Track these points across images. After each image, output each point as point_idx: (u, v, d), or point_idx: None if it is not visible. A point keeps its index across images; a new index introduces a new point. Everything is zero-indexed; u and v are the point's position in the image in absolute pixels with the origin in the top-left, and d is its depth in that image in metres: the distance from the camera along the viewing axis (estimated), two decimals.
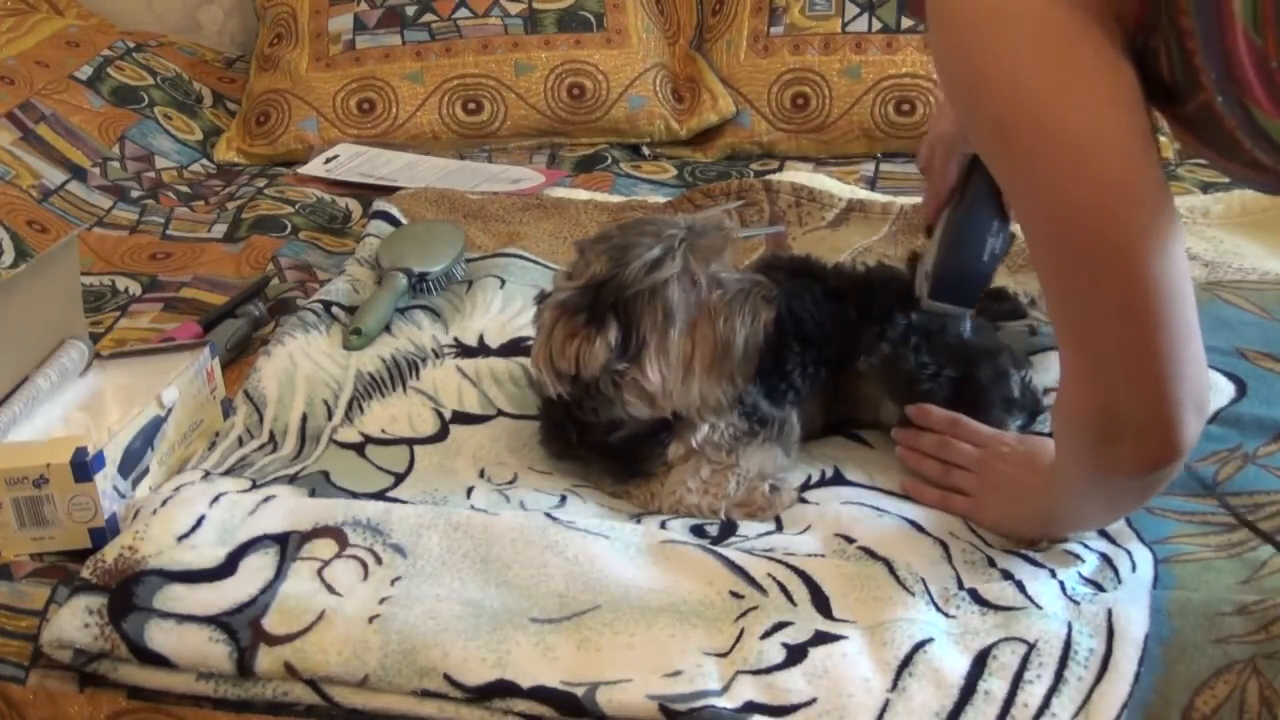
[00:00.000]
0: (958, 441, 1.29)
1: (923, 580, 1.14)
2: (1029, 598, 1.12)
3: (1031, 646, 1.07)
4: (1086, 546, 1.19)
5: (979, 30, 0.92)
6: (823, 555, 1.19)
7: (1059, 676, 1.05)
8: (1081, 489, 1.11)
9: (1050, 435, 1.23)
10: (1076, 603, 1.11)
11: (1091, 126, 0.90)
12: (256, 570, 1.15)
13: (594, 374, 1.24)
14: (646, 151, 2.24)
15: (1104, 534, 1.22)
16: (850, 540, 1.21)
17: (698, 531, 1.25)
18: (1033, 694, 1.04)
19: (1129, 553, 1.18)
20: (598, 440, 1.31)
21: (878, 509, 1.26)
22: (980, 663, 1.06)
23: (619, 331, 1.23)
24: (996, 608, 1.12)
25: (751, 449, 1.30)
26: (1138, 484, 1.05)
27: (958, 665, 1.06)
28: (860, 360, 1.37)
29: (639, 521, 1.26)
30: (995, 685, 1.04)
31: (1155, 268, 0.92)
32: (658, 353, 1.24)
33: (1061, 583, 1.14)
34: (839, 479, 1.33)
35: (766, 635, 1.09)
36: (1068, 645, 1.07)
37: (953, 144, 1.29)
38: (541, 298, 1.30)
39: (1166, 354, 0.94)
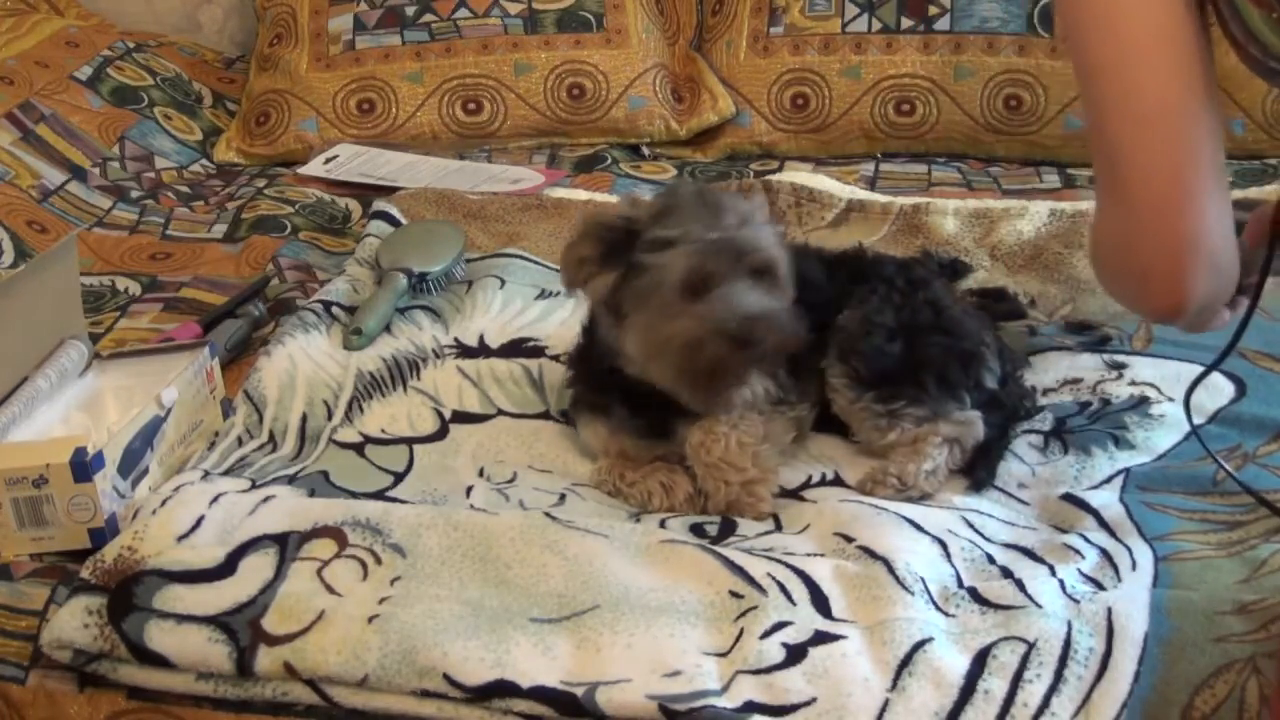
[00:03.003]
0: None
1: (922, 579, 1.14)
2: (1029, 596, 1.12)
3: (1031, 646, 1.07)
4: (1087, 541, 1.19)
5: None
6: (822, 555, 1.19)
7: (1059, 676, 1.05)
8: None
9: None
10: (1076, 601, 1.11)
11: None
12: (256, 570, 1.15)
13: (595, 302, 1.29)
14: (646, 152, 2.24)
15: (1105, 528, 1.22)
16: (849, 539, 1.21)
17: (697, 531, 1.25)
18: (1032, 693, 1.04)
19: (1129, 549, 1.18)
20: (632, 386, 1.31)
21: (876, 507, 1.26)
22: (980, 662, 1.06)
23: (619, 274, 1.26)
24: (996, 606, 1.12)
25: (776, 415, 1.33)
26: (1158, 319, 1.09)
27: (957, 665, 1.06)
28: (842, 314, 1.38)
29: (638, 521, 1.26)
30: (995, 685, 1.04)
31: (1167, 72, 0.95)
32: (633, 328, 1.27)
33: (1061, 581, 1.14)
34: (839, 481, 1.34)
35: (766, 635, 1.08)
36: (1067, 644, 1.07)
37: None
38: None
39: (1183, 185, 0.96)
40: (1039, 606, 1.11)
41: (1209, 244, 0.97)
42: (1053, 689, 1.04)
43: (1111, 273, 1.03)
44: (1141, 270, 0.99)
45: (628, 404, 1.32)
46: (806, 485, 1.33)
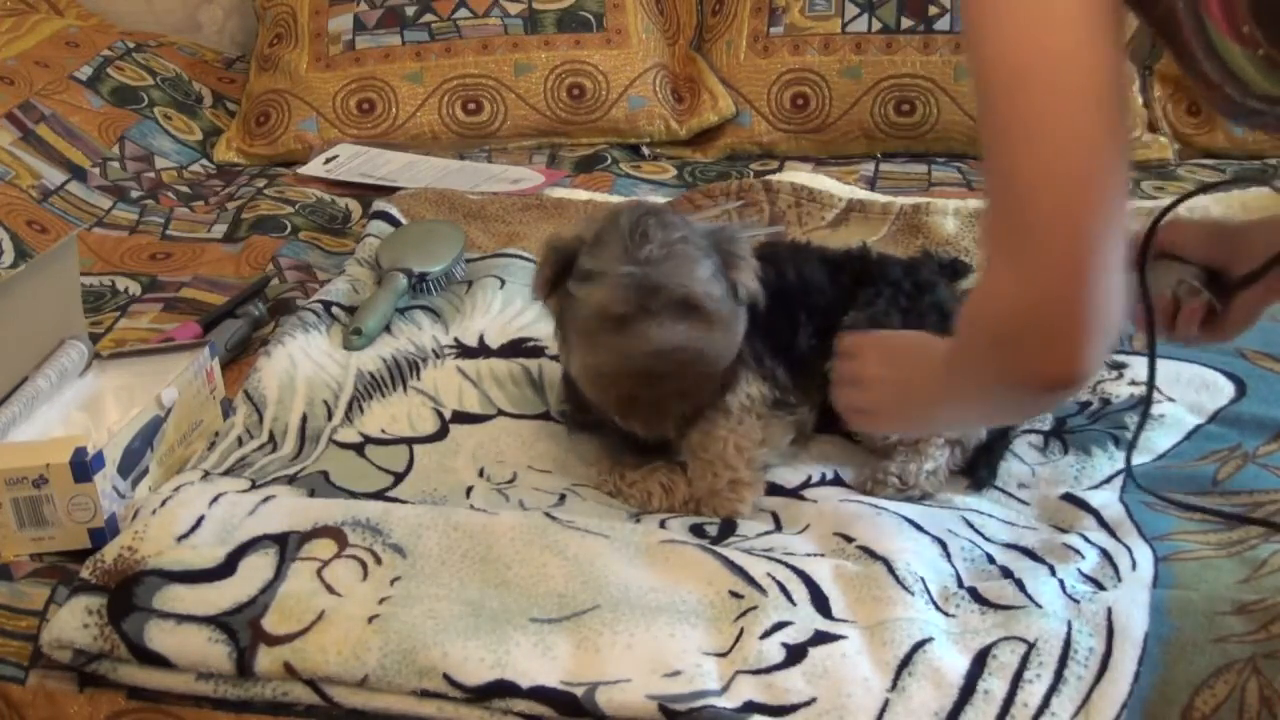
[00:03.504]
0: (841, 364, 1.25)
1: (922, 579, 1.14)
2: (1029, 596, 1.12)
3: (1031, 646, 1.07)
4: (1087, 541, 1.19)
5: None
6: (822, 555, 1.19)
7: (1059, 676, 1.05)
8: (971, 389, 1.06)
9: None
10: (1076, 601, 1.11)
11: None
12: (256, 570, 1.15)
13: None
14: (646, 152, 2.24)
15: (1105, 528, 1.22)
16: (849, 539, 1.21)
17: (697, 531, 1.25)
18: (1032, 693, 1.04)
19: (1129, 549, 1.18)
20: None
21: (876, 507, 1.26)
22: (980, 662, 1.06)
23: (559, 301, 1.28)
24: (996, 606, 1.12)
25: (774, 418, 1.33)
26: (1028, 400, 1.03)
27: (957, 665, 1.06)
28: (848, 316, 1.37)
29: (638, 521, 1.26)
30: (995, 685, 1.04)
31: (1094, 128, 0.89)
32: (570, 353, 1.29)
33: (1061, 581, 1.14)
34: (838, 481, 1.34)
35: (766, 635, 1.08)
36: (1067, 644, 1.07)
37: None
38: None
39: (1093, 231, 0.90)
40: (1039, 606, 1.11)
41: (1116, 314, 0.93)
42: (1053, 689, 1.04)
43: (1001, 340, 0.95)
44: (1044, 339, 0.92)
45: (613, 421, 1.32)
46: (806, 485, 1.33)
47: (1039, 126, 0.89)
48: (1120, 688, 1.03)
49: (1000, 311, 0.94)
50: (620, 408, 1.29)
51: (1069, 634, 1.08)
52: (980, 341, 0.98)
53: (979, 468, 1.33)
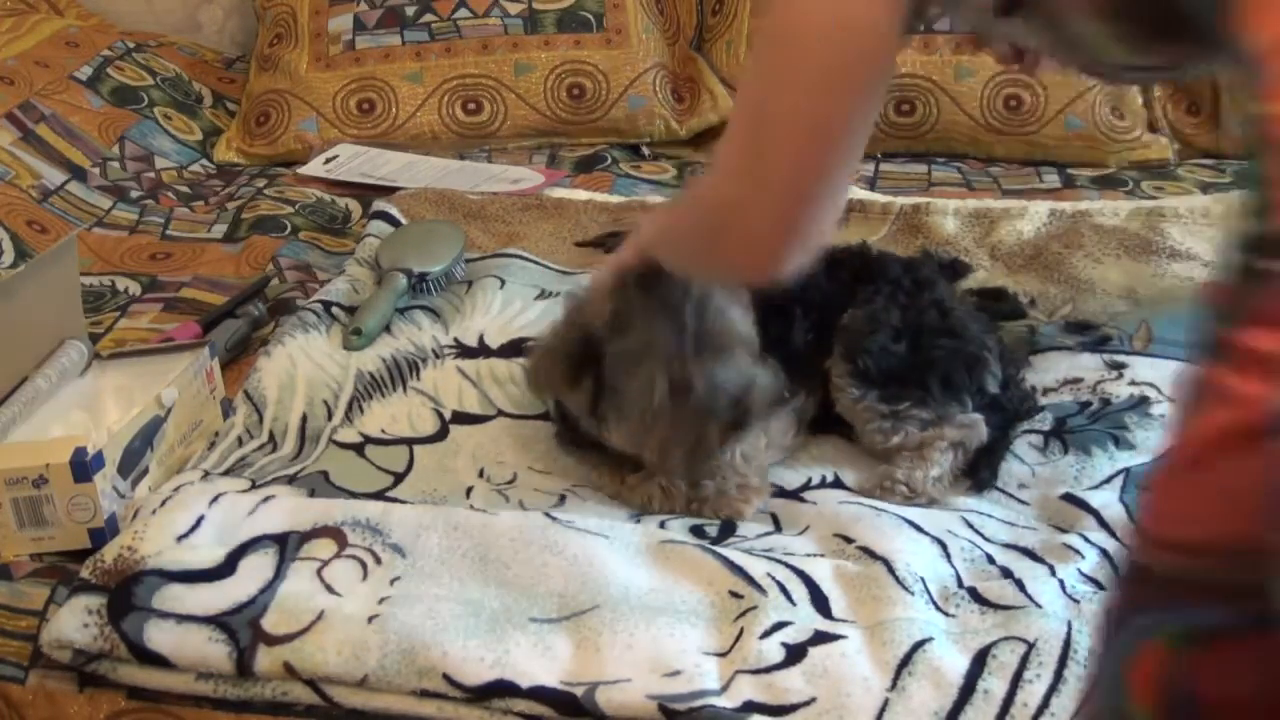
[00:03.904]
0: None
1: (922, 579, 1.14)
2: (1029, 596, 1.12)
3: (1031, 646, 1.07)
4: (1087, 541, 1.19)
5: None
6: (822, 555, 1.19)
7: (1059, 676, 1.05)
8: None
9: None
10: (1076, 601, 1.11)
11: None
12: (256, 570, 1.15)
13: (575, 414, 1.29)
14: (646, 152, 2.24)
15: (1106, 528, 1.22)
16: (849, 540, 1.21)
17: (697, 532, 1.25)
18: (1032, 693, 1.04)
19: (1130, 549, 1.18)
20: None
21: (876, 509, 1.26)
22: (980, 662, 1.06)
23: (593, 388, 1.25)
24: (996, 606, 1.12)
25: (774, 416, 1.32)
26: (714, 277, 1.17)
27: (957, 664, 1.06)
28: (847, 314, 1.37)
29: (638, 521, 1.26)
30: (994, 685, 1.04)
31: (841, 74, 0.96)
32: (618, 430, 1.26)
33: (1061, 581, 1.14)
34: (839, 484, 1.33)
35: (766, 635, 1.08)
36: (1067, 644, 1.07)
37: None
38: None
39: (829, 188, 0.99)
40: (1039, 606, 1.11)
41: (814, 238, 1.01)
42: (1053, 689, 1.04)
43: (707, 228, 1.04)
44: (750, 241, 1.01)
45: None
46: (806, 487, 1.33)
47: (798, 73, 0.96)
48: None
49: (714, 202, 1.03)
50: (661, 453, 1.27)
51: (1069, 634, 1.08)
52: (686, 225, 1.09)
53: (981, 469, 1.33)
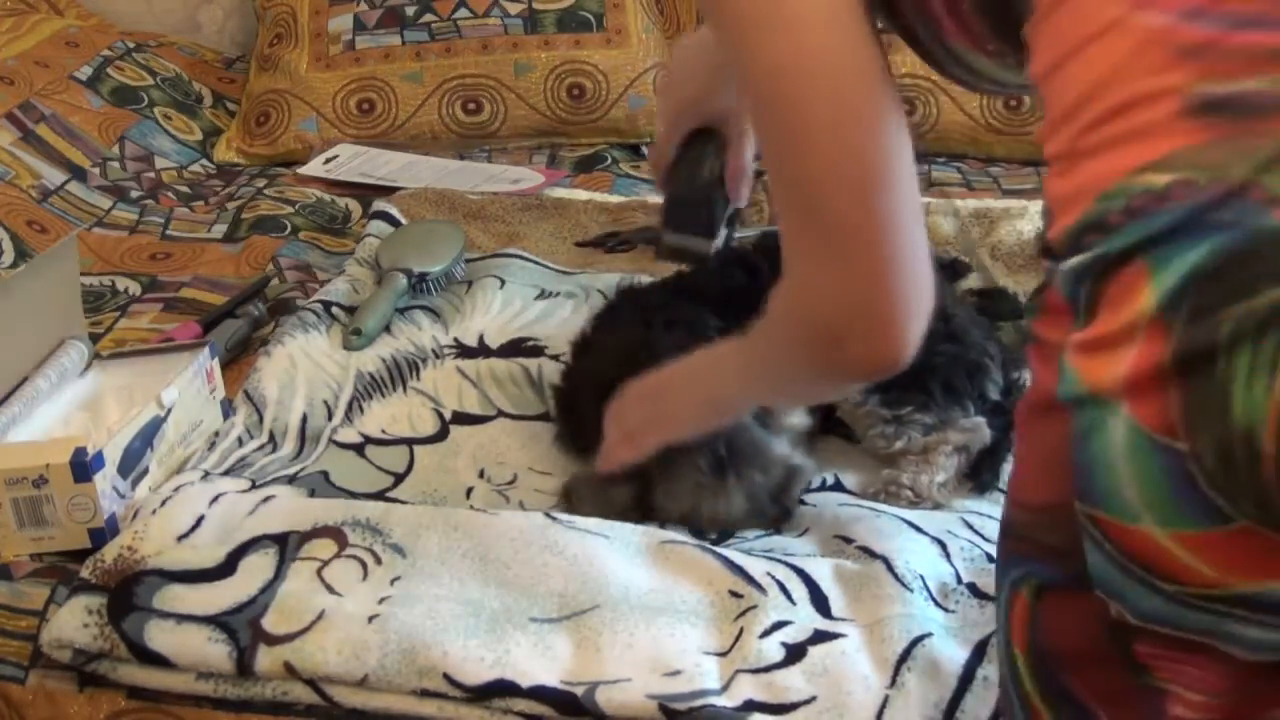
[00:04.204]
0: (623, 408, 1.24)
1: (921, 577, 1.14)
2: None
3: None
4: None
5: None
6: (822, 556, 1.19)
7: None
8: (780, 382, 1.08)
9: None
10: None
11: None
12: (256, 570, 1.16)
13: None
14: (646, 152, 2.24)
15: None
16: (849, 541, 1.21)
17: (697, 532, 1.25)
18: None
19: None
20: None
21: (875, 510, 1.26)
22: (979, 652, 1.06)
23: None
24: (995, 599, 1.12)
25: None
26: (845, 385, 1.12)
27: (956, 656, 1.06)
28: None
29: (638, 522, 1.26)
30: (993, 672, 1.04)
31: (878, 133, 0.91)
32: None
33: None
34: (839, 486, 1.34)
35: (766, 634, 1.09)
36: None
37: (681, 115, 1.29)
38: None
39: (895, 233, 0.92)
40: None
41: (928, 293, 0.95)
42: None
43: (817, 338, 0.96)
44: (864, 334, 0.93)
45: None
46: (806, 490, 1.32)
47: (819, 131, 0.91)
48: None
49: (815, 312, 0.95)
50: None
51: None
52: (794, 338, 0.99)
53: (983, 471, 1.33)
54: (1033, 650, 0.87)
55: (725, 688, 1.05)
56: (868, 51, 0.92)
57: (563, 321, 1.61)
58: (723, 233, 1.33)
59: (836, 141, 0.91)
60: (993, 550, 1.20)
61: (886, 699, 1.03)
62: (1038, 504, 0.86)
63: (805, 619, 1.10)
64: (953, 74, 0.98)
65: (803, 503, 1.30)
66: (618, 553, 1.16)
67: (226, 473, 1.31)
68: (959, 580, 1.15)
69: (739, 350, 1.10)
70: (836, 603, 1.12)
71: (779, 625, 1.09)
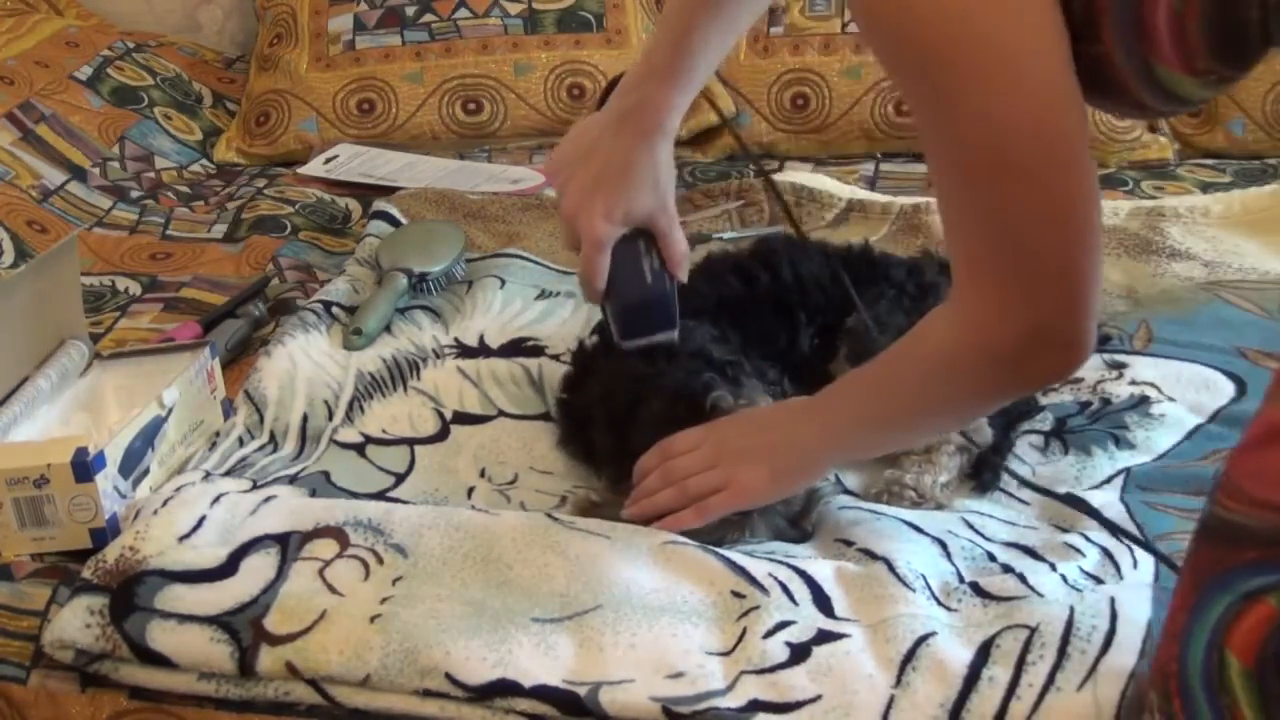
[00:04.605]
0: (675, 461, 1.22)
1: (923, 576, 1.14)
2: (1030, 587, 1.12)
3: (1033, 630, 1.07)
4: (1089, 540, 1.19)
5: None
6: (822, 559, 1.19)
7: (1062, 653, 1.04)
8: (958, 403, 1.11)
9: None
10: (1079, 591, 1.11)
11: (1024, 37, 0.95)
12: (258, 570, 1.15)
13: None
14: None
15: (1106, 527, 1.22)
16: (849, 543, 1.21)
17: None
18: (1037, 674, 1.03)
19: (1130, 548, 1.18)
20: (620, 444, 1.29)
21: (875, 512, 1.26)
22: (984, 653, 1.06)
23: None
24: (998, 599, 1.12)
25: None
26: (1028, 393, 1.19)
27: (961, 656, 1.06)
28: (851, 316, 1.37)
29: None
30: (998, 672, 1.04)
31: (1084, 171, 0.97)
32: None
33: (1063, 575, 1.14)
34: (839, 485, 1.33)
35: (769, 634, 1.08)
36: (1069, 625, 1.06)
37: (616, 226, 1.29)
38: None
39: (1090, 258, 0.99)
40: (1041, 596, 1.11)
41: (1099, 292, 1.01)
42: (1057, 666, 1.03)
43: (1008, 359, 1.02)
44: (1059, 351, 1.01)
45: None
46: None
47: (1048, 178, 0.96)
48: (1125, 660, 1.03)
49: (1005, 338, 1.01)
50: None
51: (1071, 616, 1.07)
52: (979, 364, 1.04)
53: (985, 471, 1.33)
54: (1269, 661, 0.83)
55: (730, 688, 1.04)
56: (1077, 89, 0.96)
57: (563, 321, 1.61)
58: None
59: (1060, 179, 0.96)
60: (994, 549, 1.20)
61: (892, 698, 1.03)
62: None
63: (809, 619, 1.10)
64: (1140, 99, 0.98)
65: None
66: (620, 553, 1.16)
67: (228, 473, 1.31)
68: (961, 579, 1.15)
69: (856, 410, 1.16)
70: (839, 603, 1.12)
71: (782, 625, 1.09)
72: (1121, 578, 1.15)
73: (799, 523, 1.25)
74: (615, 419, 1.29)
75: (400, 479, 1.34)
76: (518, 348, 1.55)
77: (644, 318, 1.30)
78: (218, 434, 1.39)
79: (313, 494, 1.28)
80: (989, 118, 0.95)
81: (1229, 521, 0.87)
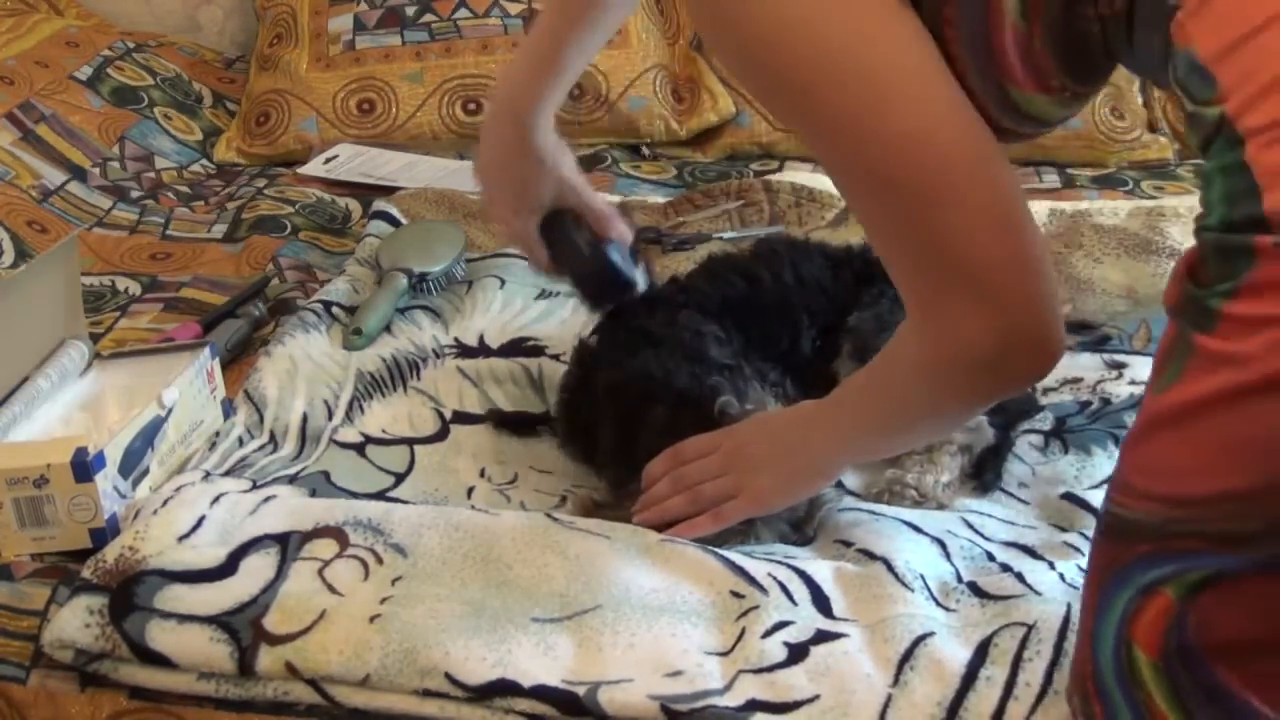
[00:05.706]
0: (686, 467, 1.22)
1: (921, 576, 1.14)
2: (1028, 586, 1.13)
3: (1030, 628, 1.07)
4: (1087, 540, 1.19)
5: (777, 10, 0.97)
6: (821, 559, 1.19)
7: (1058, 650, 1.04)
8: (941, 410, 1.12)
9: None
10: (1076, 589, 1.11)
11: (897, 56, 0.96)
12: (257, 570, 1.15)
13: None
14: (646, 152, 2.24)
15: None
16: (848, 544, 1.21)
17: None
18: (1034, 671, 1.03)
19: None
20: (624, 447, 1.29)
21: (874, 513, 1.26)
22: (982, 652, 1.06)
23: None
24: (996, 598, 1.12)
25: None
26: (1009, 395, 1.19)
27: (958, 656, 1.06)
28: (852, 316, 1.37)
29: None
30: (996, 672, 1.04)
31: (996, 171, 0.98)
32: None
33: (1061, 574, 1.14)
34: (839, 486, 1.33)
35: (768, 634, 1.08)
36: (1066, 621, 1.07)
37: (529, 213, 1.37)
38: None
39: (1032, 250, 0.99)
40: (1038, 594, 1.11)
41: (1059, 293, 1.04)
42: (1053, 663, 1.04)
43: (980, 367, 1.02)
44: (1027, 353, 1.02)
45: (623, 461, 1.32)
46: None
47: (963, 184, 0.97)
48: None
49: (975, 348, 1.01)
50: None
51: (1067, 613, 1.07)
52: (956, 375, 1.05)
53: (986, 471, 1.33)
54: (1173, 652, 0.84)
55: (728, 687, 1.04)
56: (969, 101, 0.98)
57: (563, 321, 1.61)
58: (639, 268, 1.40)
59: (977, 189, 0.97)
60: (993, 549, 1.20)
61: (890, 698, 1.03)
62: (1213, 494, 0.82)
63: (807, 619, 1.10)
64: (998, 124, 1.00)
65: None
66: (619, 553, 1.16)
67: (227, 473, 1.31)
68: (959, 579, 1.16)
69: (857, 415, 1.17)
70: (838, 603, 1.12)
71: (781, 625, 1.09)
72: None
73: (802, 527, 1.25)
74: (620, 420, 1.29)
75: (400, 479, 1.35)
76: (518, 347, 1.55)
77: (595, 287, 1.40)
78: (218, 434, 1.39)
79: (312, 494, 1.28)
80: (885, 143, 0.96)
81: (1121, 517, 0.88)
